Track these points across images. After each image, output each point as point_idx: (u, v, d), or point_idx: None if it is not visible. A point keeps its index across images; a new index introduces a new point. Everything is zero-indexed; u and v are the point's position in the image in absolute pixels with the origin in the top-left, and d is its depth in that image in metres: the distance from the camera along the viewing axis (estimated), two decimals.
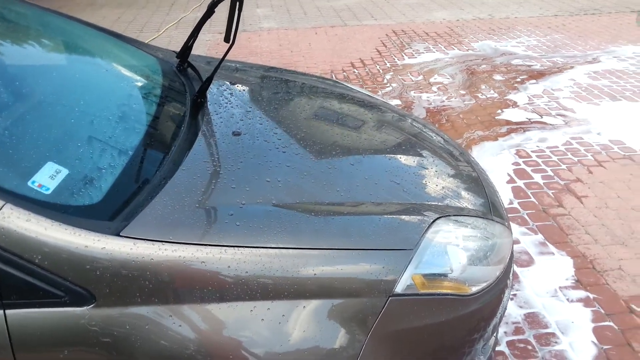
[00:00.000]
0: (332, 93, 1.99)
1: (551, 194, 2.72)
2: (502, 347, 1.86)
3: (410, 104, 3.85)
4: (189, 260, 1.03)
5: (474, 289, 1.25)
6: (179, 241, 1.05)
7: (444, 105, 3.81)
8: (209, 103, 1.63)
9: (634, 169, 2.92)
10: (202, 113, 1.57)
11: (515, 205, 2.64)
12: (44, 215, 0.98)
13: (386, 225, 1.24)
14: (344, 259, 1.13)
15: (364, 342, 1.10)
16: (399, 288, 1.14)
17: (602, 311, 1.99)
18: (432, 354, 1.25)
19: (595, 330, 1.91)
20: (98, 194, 1.14)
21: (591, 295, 2.07)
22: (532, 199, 2.69)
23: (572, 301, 2.05)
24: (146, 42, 2.38)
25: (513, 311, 2.01)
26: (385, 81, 4.29)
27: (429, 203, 1.37)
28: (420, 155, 1.61)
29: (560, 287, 2.12)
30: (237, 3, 1.51)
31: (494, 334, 1.50)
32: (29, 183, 1.06)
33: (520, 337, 1.90)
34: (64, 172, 1.13)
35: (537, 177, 2.87)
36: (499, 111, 3.69)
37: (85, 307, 0.99)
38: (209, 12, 1.71)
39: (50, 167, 1.12)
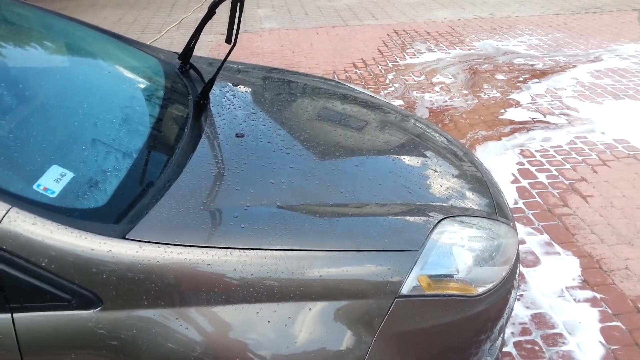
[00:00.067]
0: (335, 94, 1.99)
1: (556, 194, 2.71)
2: (509, 347, 1.85)
3: (412, 104, 3.85)
4: (195, 263, 1.03)
5: (480, 290, 1.25)
6: (185, 244, 1.04)
7: (446, 105, 3.80)
8: (211, 105, 1.63)
9: (639, 167, 2.91)
10: (205, 115, 1.57)
11: (520, 205, 2.63)
12: (49, 219, 0.98)
13: (391, 226, 1.23)
14: (349, 260, 1.13)
15: (370, 344, 1.09)
16: (404, 289, 1.14)
17: (610, 311, 1.98)
18: (438, 355, 1.25)
19: (603, 331, 1.90)
20: (103, 196, 1.14)
21: (598, 295, 2.06)
22: (537, 199, 2.68)
23: (579, 301, 2.04)
24: (148, 43, 2.38)
25: (520, 312, 2.00)
26: (387, 81, 4.28)
27: (434, 204, 1.36)
28: (424, 155, 1.60)
29: (566, 287, 2.11)
30: (238, 4, 1.50)
31: (501, 335, 1.49)
32: (35, 186, 1.06)
33: (527, 337, 1.90)
34: (69, 175, 1.13)
35: (542, 177, 2.86)
36: (502, 111, 3.68)
37: (92, 310, 0.99)
38: (210, 13, 1.71)
39: (55, 171, 1.11)
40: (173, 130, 1.50)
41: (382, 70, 4.52)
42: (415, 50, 4.98)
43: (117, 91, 1.60)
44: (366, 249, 1.15)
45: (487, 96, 3.92)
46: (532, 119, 3.54)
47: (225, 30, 1.61)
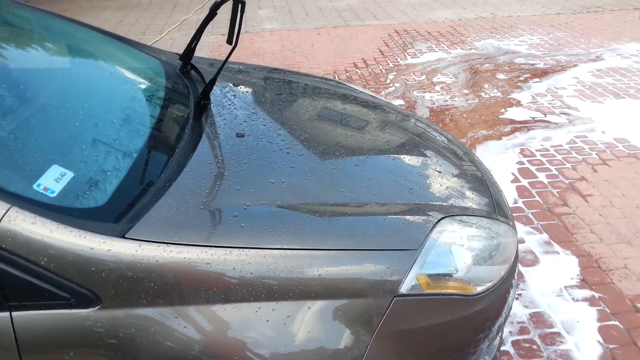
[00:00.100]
0: (335, 94, 2.00)
1: (556, 193, 2.71)
2: (507, 346, 1.86)
3: (413, 103, 3.85)
4: (194, 262, 1.04)
5: (479, 289, 1.25)
6: (184, 243, 1.05)
7: (447, 105, 3.80)
8: (212, 105, 1.64)
9: (639, 167, 2.91)
10: (205, 115, 1.57)
11: (520, 204, 2.63)
12: (49, 218, 0.99)
13: (391, 226, 1.24)
14: (348, 259, 1.13)
15: (369, 343, 1.10)
16: (403, 288, 1.14)
17: (608, 310, 1.99)
18: (437, 354, 1.25)
19: (601, 330, 1.91)
20: (103, 196, 1.15)
21: (596, 295, 2.06)
22: (537, 198, 2.68)
23: (577, 300, 2.04)
24: (149, 44, 2.39)
25: (518, 311, 2.01)
26: (388, 81, 4.28)
27: (434, 203, 1.36)
28: (424, 155, 1.61)
29: (565, 287, 2.11)
30: (240, 5, 1.51)
31: (499, 334, 1.50)
32: (35, 186, 1.07)
33: (526, 336, 1.90)
34: (69, 174, 1.13)
35: (542, 176, 2.86)
36: (503, 110, 3.68)
37: (90, 309, 1.00)
38: (212, 14, 1.72)
39: (55, 170, 1.12)
40: (174, 130, 1.50)
41: (383, 70, 4.52)
42: (416, 50, 4.98)
43: (118, 92, 1.61)
44: (365, 248, 1.16)
45: (487, 96, 3.92)
46: (533, 118, 3.54)
47: (226, 31, 1.62)
